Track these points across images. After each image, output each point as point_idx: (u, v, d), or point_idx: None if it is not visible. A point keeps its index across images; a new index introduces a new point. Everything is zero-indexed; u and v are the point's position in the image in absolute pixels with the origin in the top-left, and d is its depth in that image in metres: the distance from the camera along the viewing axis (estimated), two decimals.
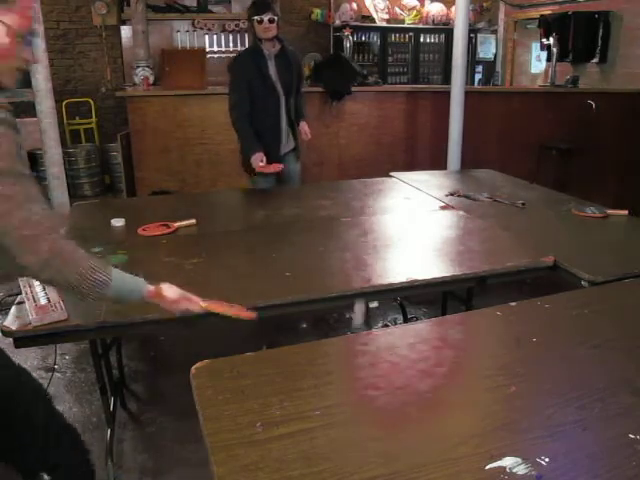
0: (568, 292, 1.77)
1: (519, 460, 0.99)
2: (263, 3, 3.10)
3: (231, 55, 7.24)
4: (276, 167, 3.16)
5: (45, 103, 3.69)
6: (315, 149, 4.88)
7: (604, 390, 1.20)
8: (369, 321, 3.51)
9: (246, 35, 7.24)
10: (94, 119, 6.77)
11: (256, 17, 3.04)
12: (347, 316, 3.53)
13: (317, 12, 7.39)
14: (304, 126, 3.39)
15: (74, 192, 5.51)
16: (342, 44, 7.06)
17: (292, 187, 3.41)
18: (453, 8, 5.04)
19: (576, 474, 0.97)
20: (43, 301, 1.60)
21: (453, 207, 2.69)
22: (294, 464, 0.98)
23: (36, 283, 1.71)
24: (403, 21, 7.71)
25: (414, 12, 7.68)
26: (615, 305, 1.66)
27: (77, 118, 6.73)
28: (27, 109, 4.89)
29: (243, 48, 7.25)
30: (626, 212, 2.54)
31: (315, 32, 7.54)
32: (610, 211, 2.54)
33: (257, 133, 3.15)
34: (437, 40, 7.82)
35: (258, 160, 3.08)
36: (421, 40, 7.76)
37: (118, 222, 2.38)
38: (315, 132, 4.84)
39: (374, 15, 7.59)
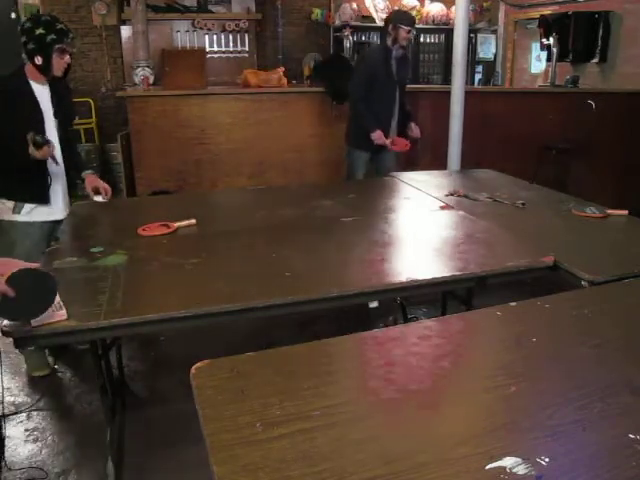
0: (568, 292, 1.78)
1: (519, 460, 0.99)
2: (413, 18, 3.98)
3: (231, 55, 7.28)
4: (405, 146, 3.91)
5: None
6: (316, 149, 4.89)
7: (604, 390, 1.20)
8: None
9: (246, 35, 7.25)
10: (94, 119, 6.77)
11: (407, 27, 3.79)
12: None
13: (317, 12, 7.39)
14: (416, 127, 4.01)
15: (74, 192, 5.49)
16: (342, 44, 7.07)
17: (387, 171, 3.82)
18: (453, 8, 5.03)
19: (576, 474, 0.97)
20: None
21: (453, 207, 2.69)
22: (294, 464, 0.98)
23: None
24: None
25: (414, 12, 7.68)
26: (615, 305, 1.66)
27: (77, 118, 6.73)
28: None
29: (242, 48, 7.31)
30: (626, 212, 2.54)
31: (315, 32, 7.53)
32: (610, 211, 2.54)
33: (375, 115, 3.84)
34: (437, 40, 7.82)
35: (382, 136, 3.81)
36: (421, 40, 7.76)
37: (99, 197, 2.73)
38: (315, 132, 4.88)
39: (374, 15, 7.58)
